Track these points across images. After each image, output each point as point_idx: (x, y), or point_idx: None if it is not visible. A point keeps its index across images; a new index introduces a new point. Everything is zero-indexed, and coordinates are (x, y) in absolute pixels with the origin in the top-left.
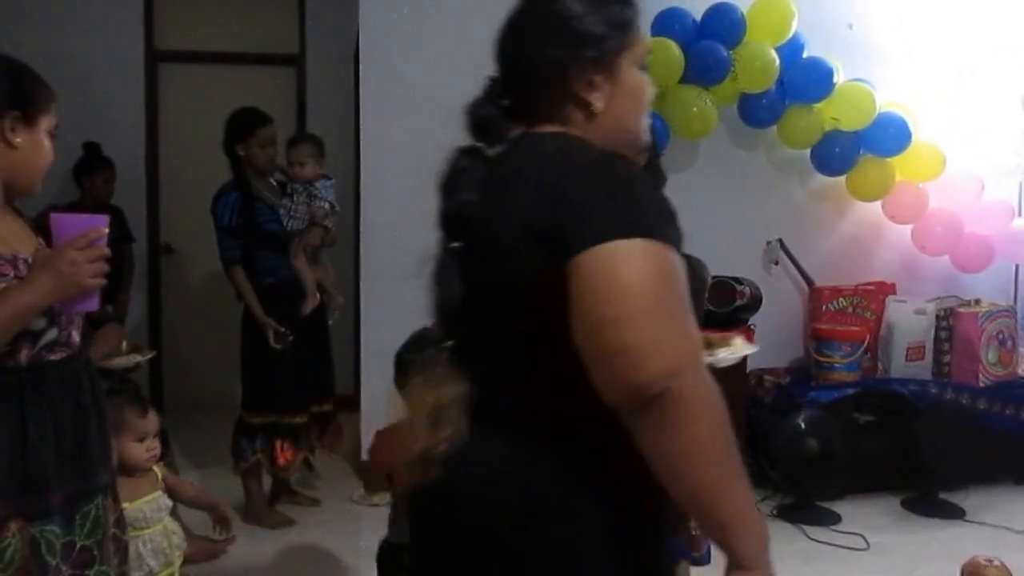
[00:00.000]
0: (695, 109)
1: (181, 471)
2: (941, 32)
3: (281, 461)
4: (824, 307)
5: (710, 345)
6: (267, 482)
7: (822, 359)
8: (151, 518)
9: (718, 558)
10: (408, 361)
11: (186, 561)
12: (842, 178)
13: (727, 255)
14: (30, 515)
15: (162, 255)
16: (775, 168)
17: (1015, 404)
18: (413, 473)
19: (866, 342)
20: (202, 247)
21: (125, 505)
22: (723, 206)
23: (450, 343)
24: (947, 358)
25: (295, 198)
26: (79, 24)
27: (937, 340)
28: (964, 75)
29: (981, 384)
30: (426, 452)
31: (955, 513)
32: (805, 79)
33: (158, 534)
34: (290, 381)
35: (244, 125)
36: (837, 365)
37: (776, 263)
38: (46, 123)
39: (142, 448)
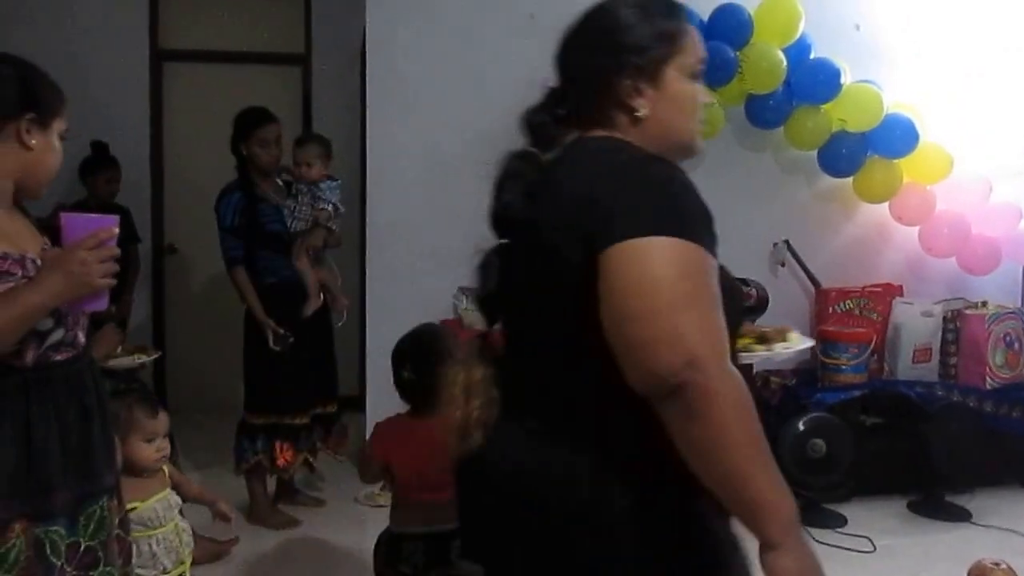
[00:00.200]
0: None
1: (184, 471)
2: (949, 33)
3: (281, 462)
4: (831, 309)
5: (766, 340)
6: (271, 483)
7: (828, 361)
8: (163, 516)
9: None
10: (403, 351)
11: (191, 562)
12: (849, 179)
13: (733, 256)
14: (34, 516)
15: (166, 255)
16: (782, 169)
17: (1022, 406)
18: (456, 441)
19: (873, 344)
20: (206, 247)
21: (137, 504)
22: (729, 207)
23: (485, 330)
24: (954, 360)
25: (299, 199)
26: (83, 23)
27: (944, 342)
28: (972, 76)
29: (988, 386)
30: (464, 420)
31: (962, 516)
32: (812, 80)
33: (170, 532)
34: (291, 382)
35: (246, 124)
36: (843, 367)
37: (783, 264)
38: (58, 126)
39: (151, 449)
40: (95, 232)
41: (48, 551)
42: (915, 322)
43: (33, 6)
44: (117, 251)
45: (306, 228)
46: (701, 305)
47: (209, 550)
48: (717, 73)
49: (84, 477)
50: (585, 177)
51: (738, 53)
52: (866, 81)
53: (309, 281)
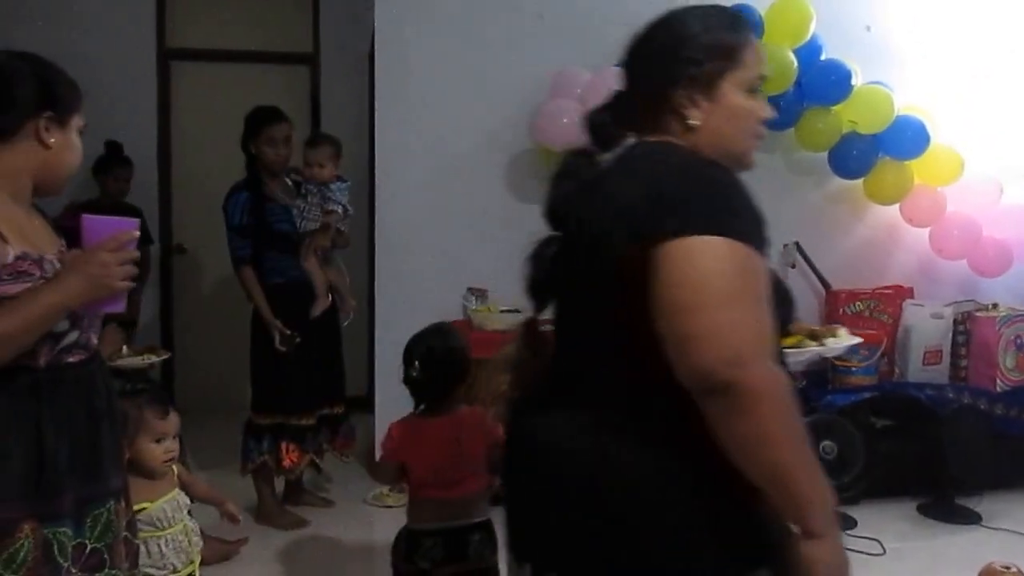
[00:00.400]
0: None
1: (192, 471)
2: (960, 34)
3: (286, 463)
4: (841, 310)
5: (816, 336)
6: (280, 483)
7: (839, 363)
8: (172, 517)
9: None
10: (413, 350)
11: (200, 562)
12: (859, 181)
13: None
14: (43, 517)
15: (174, 255)
16: (792, 171)
17: None
18: (500, 408)
19: (883, 346)
20: (214, 247)
21: (146, 505)
22: None
23: (532, 321)
24: (964, 362)
25: (309, 199)
26: (90, 22)
27: (954, 344)
28: (982, 77)
29: (998, 389)
30: (505, 390)
31: (972, 518)
32: (823, 81)
33: (179, 533)
34: (298, 383)
35: (257, 122)
36: (854, 369)
37: (793, 266)
38: (77, 123)
39: (160, 449)
40: (116, 235)
41: (56, 552)
42: (925, 324)
43: (39, 5)
44: (137, 254)
45: (315, 228)
46: (748, 303)
47: (218, 550)
48: None
49: (92, 479)
50: (640, 177)
51: None
52: (877, 83)
53: (318, 281)
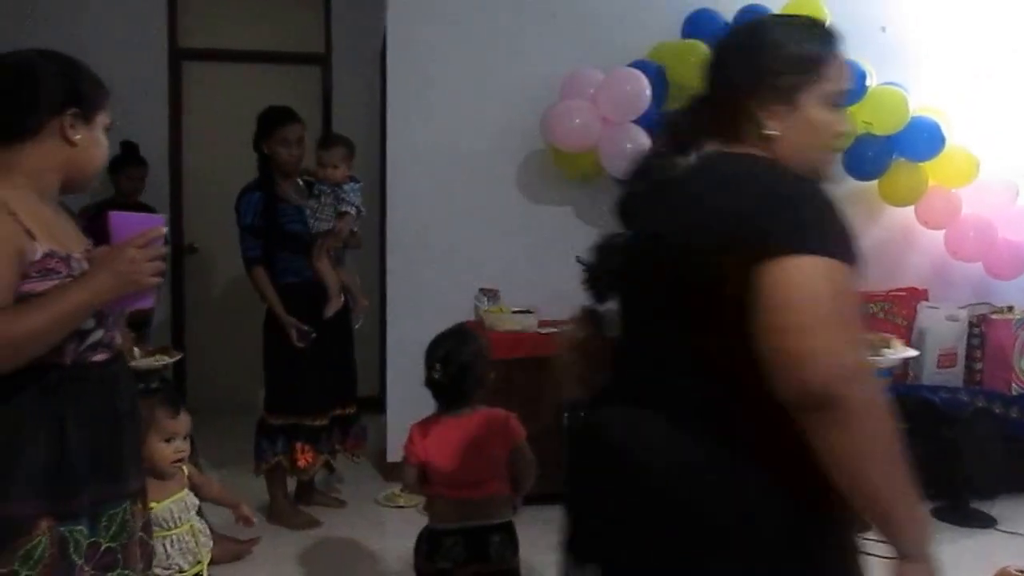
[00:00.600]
0: None
1: (204, 471)
2: (975, 36)
3: (301, 463)
4: None
5: (871, 345)
6: (292, 483)
7: None
8: (178, 518)
9: None
10: (434, 352)
11: (211, 562)
12: (874, 182)
13: None
14: (60, 515)
15: (186, 255)
16: None
17: None
18: (569, 391)
19: None
20: (226, 247)
21: (153, 505)
22: None
23: (592, 308)
24: (979, 365)
25: (321, 199)
26: (102, 22)
27: (969, 347)
28: (998, 79)
29: (1013, 392)
30: (568, 374)
31: (986, 522)
32: None
33: (186, 533)
34: (311, 383)
35: (269, 122)
36: None
37: None
38: (102, 120)
39: (169, 449)
40: (144, 231)
41: (71, 550)
42: (940, 327)
43: (51, 5)
44: (165, 250)
45: (328, 229)
46: (853, 323)
47: (230, 550)
48: None
49: (111, 479)
50: (733, 191)
51: None
52: (891, 83)
53: (330, 282)
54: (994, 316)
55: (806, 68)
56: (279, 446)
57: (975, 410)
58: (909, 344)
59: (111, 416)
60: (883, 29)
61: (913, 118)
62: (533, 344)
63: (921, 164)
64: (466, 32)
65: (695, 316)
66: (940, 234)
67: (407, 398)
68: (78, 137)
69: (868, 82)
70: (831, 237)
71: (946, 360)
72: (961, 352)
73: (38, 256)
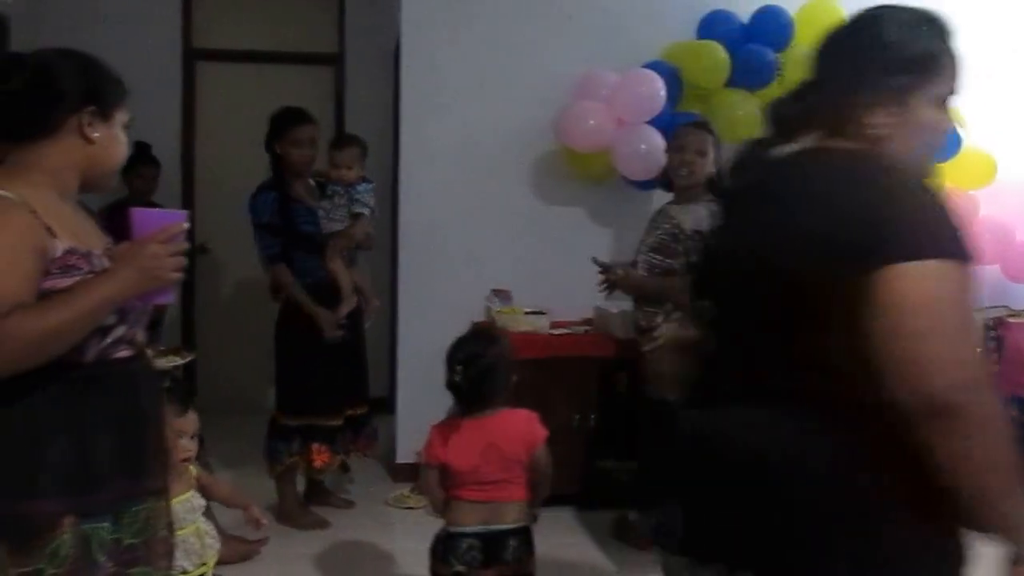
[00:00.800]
0: (741, 112)
1: (214, 471)
2: (993, 37)
3: (318, 463)
4: None
5: None
6: (301, 483)
7: None
8: (184, 519)
9: None
10: (455, 354)
11: (220, 562)
12: None
13: None
14: (83, 512)
15: (197, 255)
16: None
17: None
18: (665, 388)
19: None
20: (238, 248)
21: None
22: None
23: (699, 303)
24: (996, 368)
25: (334, 200)
26: (116, 22)
27: (986, 350)
28: (998, 79)
29: None
30: (672, 373)
31: None
32: None
33: (191, 535)
34: (325, 383)
35: (282, 123)
36: None
37: None
38: (121, 117)
39: (176, 447)
40: (166, 226)
41: (94, 547)
42: None
43: (65, 5)
44: (186, 245)
45: (341, 229)
46: (970, 328)
47: (238, 550)
48: (757, 75)
49: (134, 476)
50: (845, 191)
51: (779, 55)
52: None
53: (344, 283)
54: (1011, 319)
55: (921, 68)
56: (295, 447)
57: None
58: None
59: (134, 413)
60: None
61: None
62: (545, 345)
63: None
64: (480, 33)
65: (804, 315)
66: None
67: (417, 399)
68: (96, 135)
69: None
70: (946, 238)
71: None
72: None
73: (59, 253)
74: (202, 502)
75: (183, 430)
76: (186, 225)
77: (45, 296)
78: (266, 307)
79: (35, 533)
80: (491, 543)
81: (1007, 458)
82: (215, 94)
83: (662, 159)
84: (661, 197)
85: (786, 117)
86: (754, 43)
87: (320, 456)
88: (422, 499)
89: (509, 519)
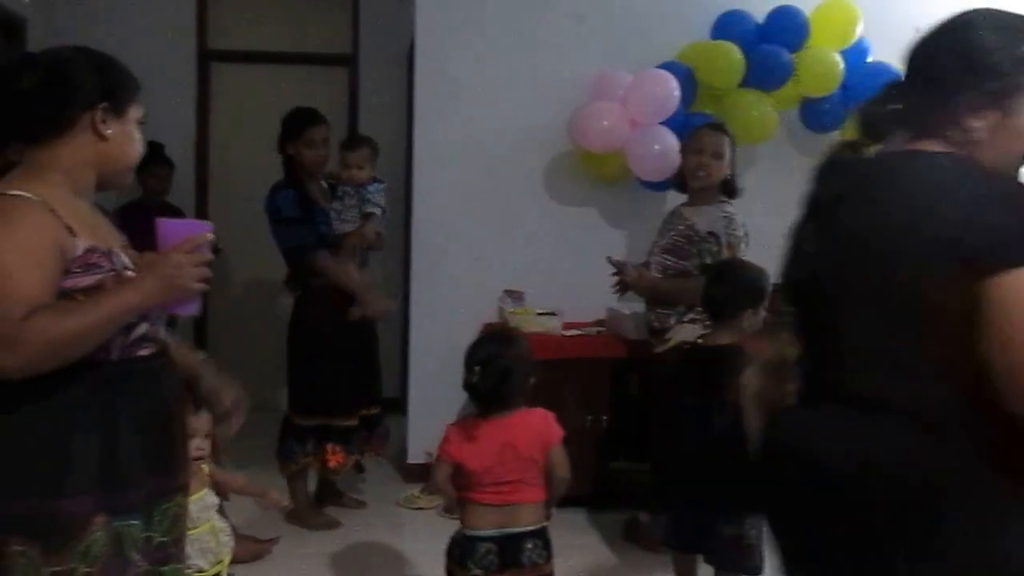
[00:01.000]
0: (755, 113)
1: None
2: None
3: (332, 464)
4: None
5: None
6: (313, 483)
7: None
8: (198, 517)
9: None
10: (473, 355)
11: (232, 561)
12: None
13: None
14: (114, 510)
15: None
16: None
17: None
18: (756, 413)
19: None
20: (250, 248)
21: None
22: (781, 212)
23: (792, 311)
24: None
25: (345, 201)
26: (131, 23)
27: None
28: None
29: None
30: (772, 399)
31: None
32: (869, 84)
33: (205, 533)
34: (340, 383)
35: (295, 124)
36: None
37: None
38: (135, 113)
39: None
40: (191, 237)
41: (126, 545)
42: None
43: (80, 7)
44: (211, 257)
45: (353, 230)
46: None
47: (250, 549)
48: (772, 76)
49: (162, 473)
50: (946, 197)
51: (794, 56)
52: None
53: (358, 284)
54: None
55: (1017, 73)
56: (309, 447)
57: None
58: None
59: (160, 409)
60: (917, 30)
61: None
62: (557, 346)
63: None
64: (494, 33)
65: (909, 321)
66: None
67: (429, 400)
68: (109, 131)
69: None
70: None
71: None
72: None
73: (79, 252)
74: (215, 500)
75: (195, 429)
76: (211, 237)
77: (66, 295)
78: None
79: (68, 533)
80: (507, 546)
81: None
82: (229, 95)
83: (676, 160)
84: (675, 198)
85: (876, 119)
86: (769, 43)
87: (335, 456)
88: (433, 500)
89: (525, 522)
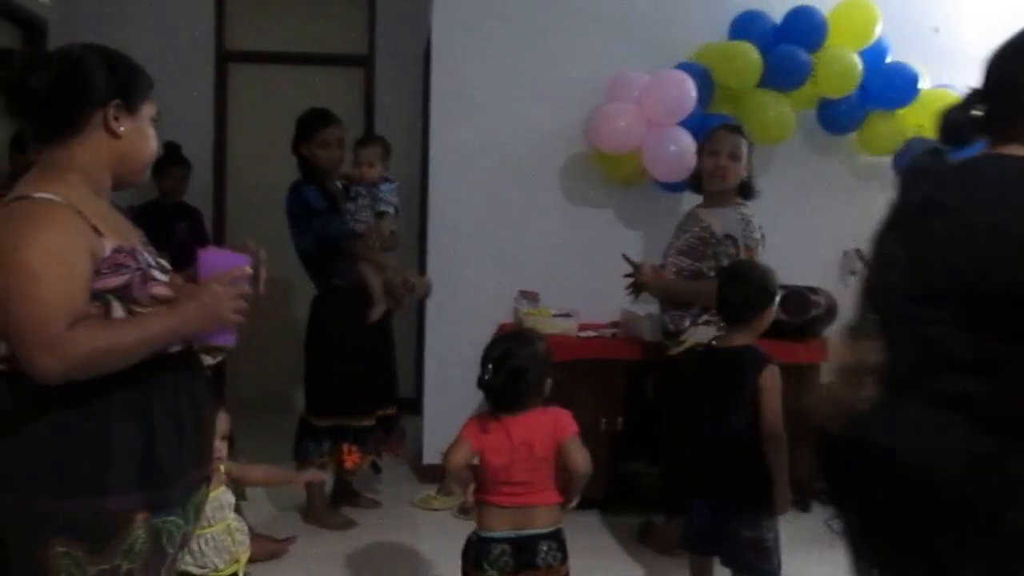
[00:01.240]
0: (772, 114)
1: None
2: None
3: (349, 464)
4: None
5: None
6: (329, 483)
7: None
8: (213, 516)
9: None
10: (488, 354)
11: (249, 560)
12: None
13: (802, 264)
14: (154, 506)
15: None
16: (854, 175)
17: None
18: (827, 418)
19: None
20: (268, 248)
21: None
22: (799, 213)
23: (875, 318)
24: None
25: (358, 201)
26: (149, 23)
27: None
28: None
29: None
30: (846, 404)
31: None
32: (888, 85)
33: (221, 532)
34: (356, 384)
35: (310, 125)
36: None
37: (854, 274)
38: (148, 110)
39: None
40: (231, 269)
41: (164, 541)
42: None
43: (100, 8)
44: (248, 290)
45: (368, 229)
46: None
47: (267, 548)
48: (789, 76)
49: (195, 467)
50: None
51: (812, 56)
52: (945, 86)
53: (374, 285)
54: None
55: None
56: (325, 447)
57: None
58: None
59: (191, 406)
60: (936, 30)
61: None
62: (572, 348)
63: None
64: (510, 34)
65: (994, 322)
66: None
67: (444, 400)
68: (122, 129)
69: (920, 84)
70: None
71: None
72: None
73: (107, 252)
74: (231, 499)
75: (216, 429)
76: (249, 271)
77: (97, 296)
78: (295, 307)
79: (112, 530)
80: (522, 548)
81: None
82: (247, 95)
83: (692, 161)
84: (691, 199)
85: (958, 124)
86: (787, 43)
87: (351, 456)
88: (448, 501)
89: (540, 523)
